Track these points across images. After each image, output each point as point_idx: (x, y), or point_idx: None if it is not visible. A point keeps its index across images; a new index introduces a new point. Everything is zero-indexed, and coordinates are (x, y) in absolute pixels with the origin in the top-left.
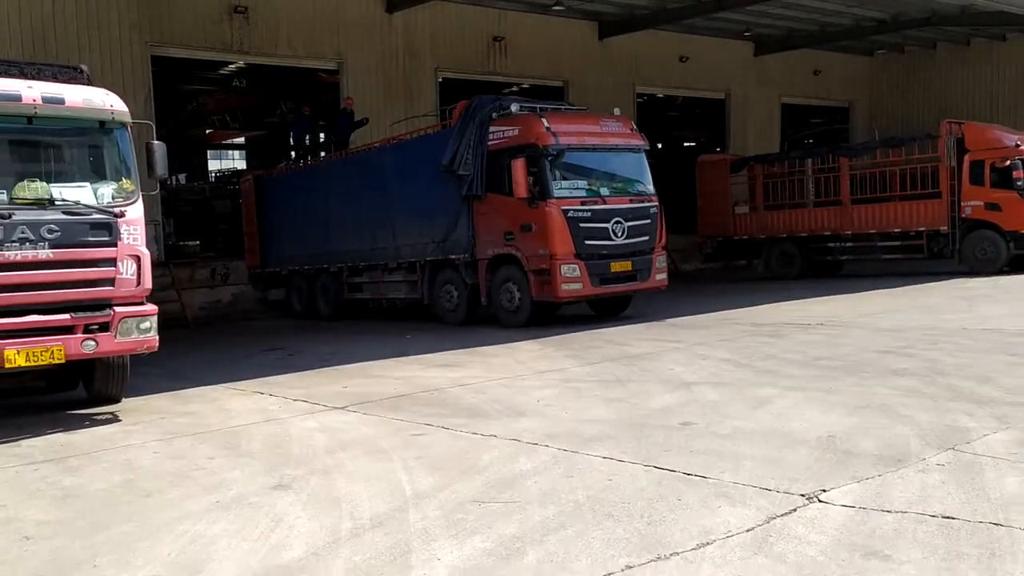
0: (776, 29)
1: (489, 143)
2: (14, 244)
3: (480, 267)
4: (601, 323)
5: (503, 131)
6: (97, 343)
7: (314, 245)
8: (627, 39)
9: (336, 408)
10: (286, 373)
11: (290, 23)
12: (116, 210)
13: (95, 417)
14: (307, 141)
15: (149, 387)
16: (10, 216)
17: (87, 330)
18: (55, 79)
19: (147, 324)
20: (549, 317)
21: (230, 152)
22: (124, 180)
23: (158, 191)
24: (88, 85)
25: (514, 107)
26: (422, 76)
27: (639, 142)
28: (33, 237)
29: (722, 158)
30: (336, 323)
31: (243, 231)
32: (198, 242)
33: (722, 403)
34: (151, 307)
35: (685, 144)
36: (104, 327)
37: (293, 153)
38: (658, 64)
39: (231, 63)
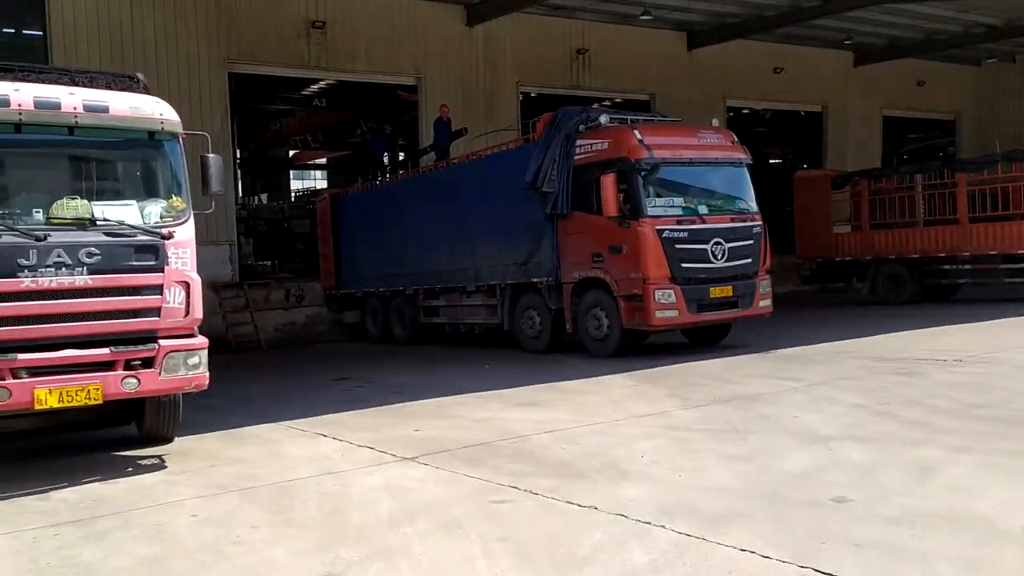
0: (878, 37)
1: (576, 158)
2: (49, 269)
3: (565, 291)
4: (698, 354)
5: (591, 144)
6: (139, 381)
7: (390, 266)
8: (717, 50)
9: (405, 459)
10: (354, 409)
11: (368, 38)
12: (164, 231)
13: (140, 461)
14: (386, 160)
15: (206, 421)
16: (45, 238)
17: (128, 366)
18: (108, 88)
19: (196, 359)
20: (638, 346)
21: (312, 172)
22: (174, 198)
23: (236, 209)
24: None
25: (603, 119)
26: (503, 91)
27: (741, 155)
28: (70, 261)
29: (823, 174)
30: (411, 348)
31: (318, 251)
32: (269, 263)
33: (874, 468)
34: (201, 340)
35: (770, 161)
36: (147, 363)
37: (372, 172)
38: (750, 75)
39: (312, 83)
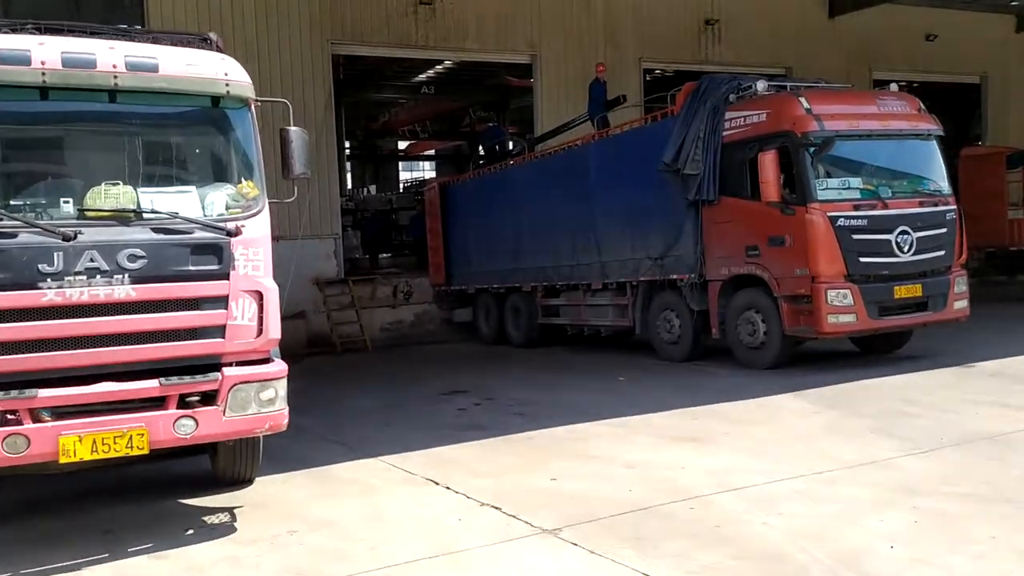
0: None
1: (725, 133)
2: (79, 278)
3: (711, 290)
4: (875, 366)
5: (745, 117)
6: (197, 423)
7: (504, 261)
8: (861, 16)
9: (544, 531)
10: (471, 440)
11: (479, 14)
12: (231, 225)
13: (206, 518)
14: (498, 150)
15: (297, 451)
16: (75, 236)
17: (183, 403)
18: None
19: (271, 393)
20: (795, 353)
21: (420, 164)
22: (244, 183)
23: (343, 200)
24: None
25: (760, 85)
26: (624, 67)
27: (930, 126)
28: (107, 267)
29: (994, 151)
30: (528, 352)
31: (427, 245)
32: (367, 255)
33: None
34: (279, 367)
35: None
36: (208, 398)
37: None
38: (899, 44)
39: (420, 69)
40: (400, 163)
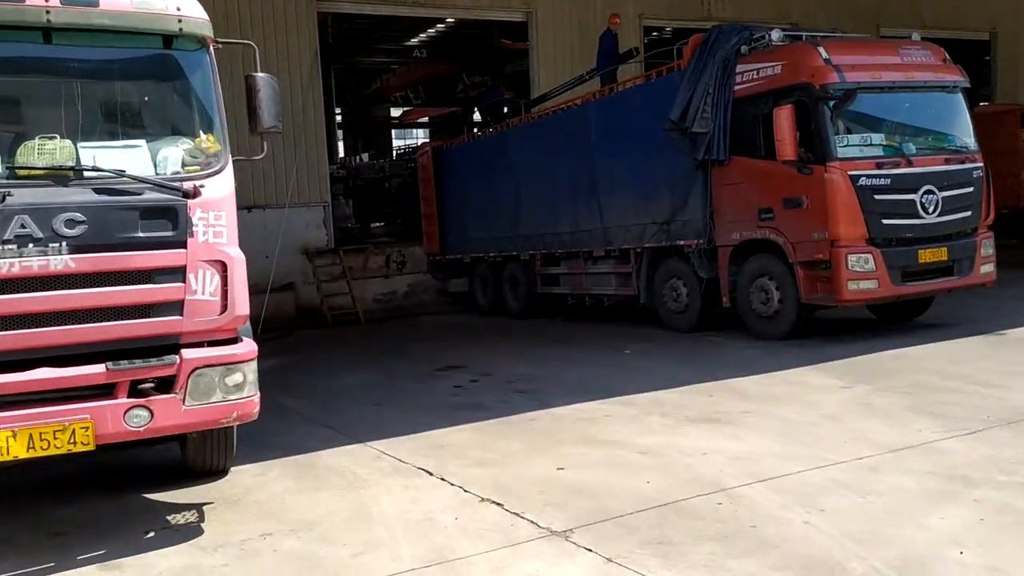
0: None
1: (737, 88)
2: (9, 247)
3: (720, 256)
4: (898, 334)
5: (759, 69)
6: (152, 413)
7: (502, 228)
8: None
9: (553, 533)
10: (469, 422)
11: None
12: (187, 185)
13: (171, 517)
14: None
15: (277, 436)
16: (3, 199)
17: (135, 391)
18: None
19: (238, 377)
20: (808, 322)
21: (414, 132)
22: (203, 136)
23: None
24: None
25: (775, 34)
26: (624, 24)
27: (956, 77)
28: (41, 234)
29: (1009, 108)
30: (528, 323)
31: (420, 212)
32: (359, 225)
33: None
34: (247, 347)
35: None
36: (165, 384)
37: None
38: (906, 0)
39: (411, 32)
40: (393, 131)
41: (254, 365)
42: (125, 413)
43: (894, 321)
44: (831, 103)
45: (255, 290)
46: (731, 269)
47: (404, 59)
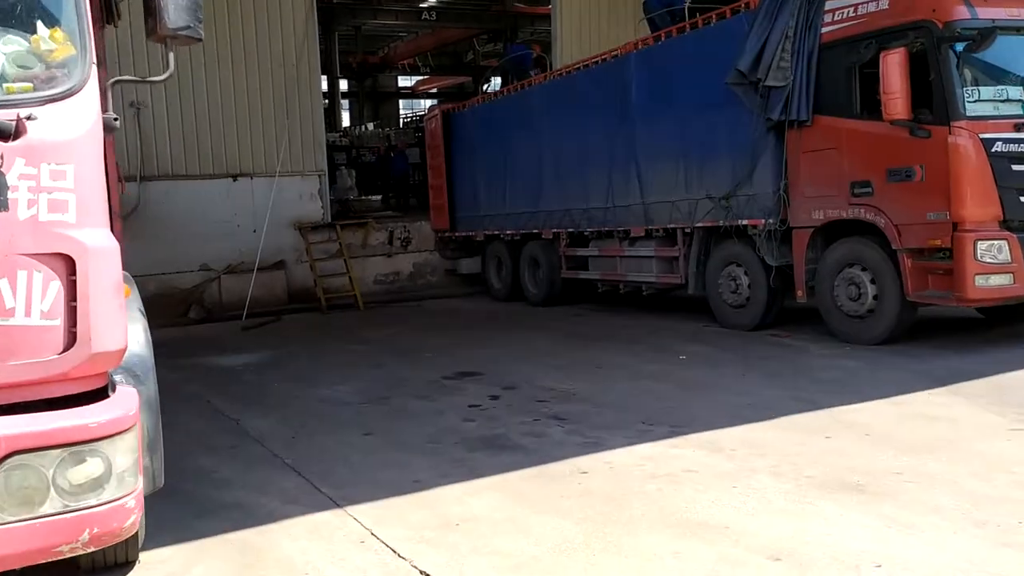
0: None
1: (825, 30)
2: None
3: (796, 240)
4: (1020, 339)
5: (856, 5)
6: None
7: (521, 202)
8: None
9: None
10: (491, 473)
11: None
12: (3, 116)
13: None
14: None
15: (226, 486)
16: None
17: None
18: None
19: (92, 468)
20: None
21: (422, 102)
22: (45, 31)
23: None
24: None
25: None
26: None
27: None
28: None
29: None
30: (550, 312)
31: (428, 183)
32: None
33: None
34: (119, 410)
35: None
36: None
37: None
38: None
39: None
40: (401, 101)
41: (130, 441)
42: None
43: (999, 320)
44: (958, 46)
45: (241, 269)
46: (809, 256)
47: (412, 22)
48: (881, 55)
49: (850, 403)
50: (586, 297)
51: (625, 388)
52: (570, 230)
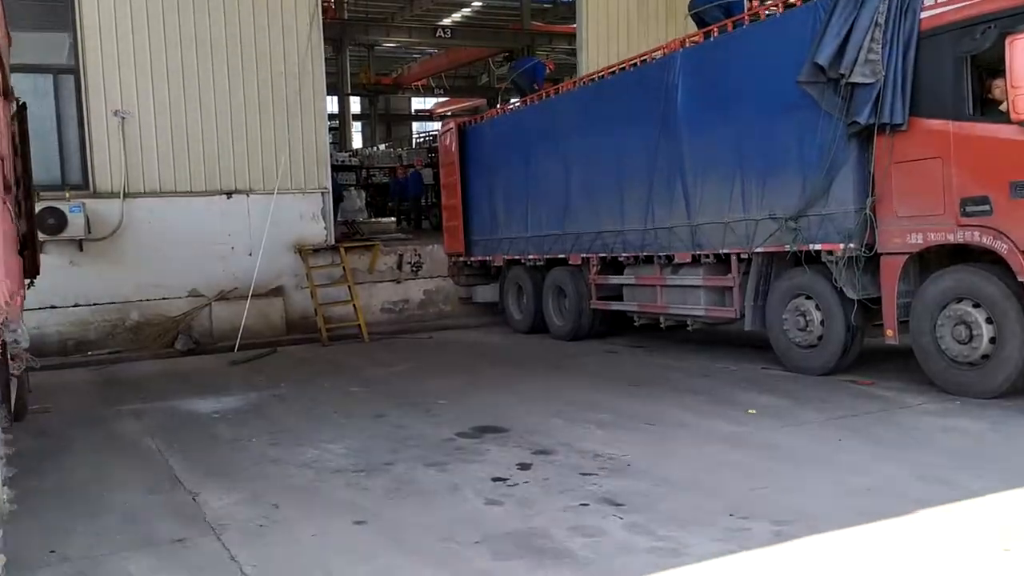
0: None
1: (925, 15)
2: None
3: (886, 269)
4: None
5: None
6: None
7: (544, 224)
8: None
9: None
10: None
11: None
12: None
13: None
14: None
15: None
16: None
17: None
18: None
19: None
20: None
21: (434, 124)
22: None
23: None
24: None
25: None
26: None
27: None
28: None
29: None
30: (580, 348)
31: (441, 203)
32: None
33: None
34: None
35: None
36: None
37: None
38: None
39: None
40: (415, 124)
41: None
42: None
43: None
44: None
45: (235, 295)
46: (902, 288)
47: (427, 39)
48: (1007, 41)
49: (1007, 489)
50: (618, 330)
51: (692, 456)
52: (602, 255)
